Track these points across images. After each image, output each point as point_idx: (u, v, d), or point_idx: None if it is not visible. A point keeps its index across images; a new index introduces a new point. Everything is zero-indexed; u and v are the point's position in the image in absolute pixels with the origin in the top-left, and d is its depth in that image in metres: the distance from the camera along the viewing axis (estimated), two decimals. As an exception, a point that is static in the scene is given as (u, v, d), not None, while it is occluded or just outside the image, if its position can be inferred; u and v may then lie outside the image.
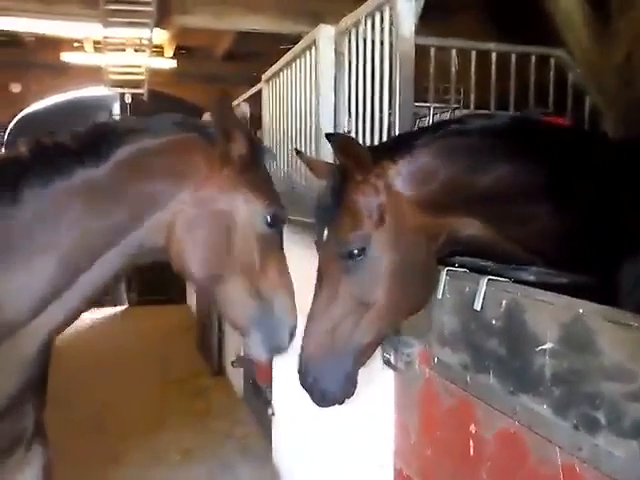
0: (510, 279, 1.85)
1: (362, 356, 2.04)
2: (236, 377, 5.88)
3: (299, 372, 2.05)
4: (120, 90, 8.80)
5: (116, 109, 9.86)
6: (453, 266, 2.11)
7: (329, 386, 2.01)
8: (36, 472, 2.20)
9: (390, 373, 2.47)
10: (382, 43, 2.62)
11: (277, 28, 6.44)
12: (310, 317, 2.04)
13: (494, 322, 1.81)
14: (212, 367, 6.58)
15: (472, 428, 1.95)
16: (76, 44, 8.54)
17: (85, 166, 1.90)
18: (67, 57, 8.65)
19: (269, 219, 2.05)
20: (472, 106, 3.36)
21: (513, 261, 2.11)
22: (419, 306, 2.10)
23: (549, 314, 1.59)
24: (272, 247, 2.10)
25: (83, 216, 1.90)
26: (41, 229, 1.87)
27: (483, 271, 2.01)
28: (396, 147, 2.03)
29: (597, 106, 3.45)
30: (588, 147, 2.19)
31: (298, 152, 2.43)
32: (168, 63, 8.44)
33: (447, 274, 2.08)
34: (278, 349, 2.15)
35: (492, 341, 1.83)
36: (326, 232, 2.04)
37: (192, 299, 9.73)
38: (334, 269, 1.99)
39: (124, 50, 7.22)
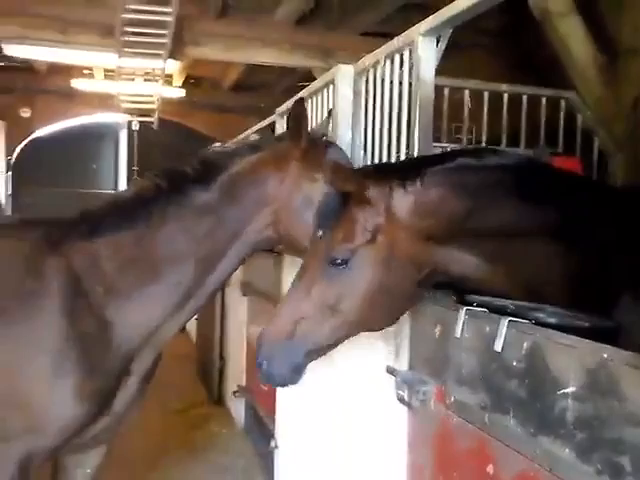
0: (530, 321, 1.87)
1: (315, 354, 2.20)
2: (237, 407, 5.84)
3: (256, 346, 2.18)
4: (130, 118, 8.92)
5: (123, 136, 9.96)
6: (471, 305, 2.13)
7: (276, 371, 2.15)
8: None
9: (403, 410, 2.46)
10: (401, 84, 2.68)
11: (288, 62, 6.56)
12: (281, 304, 2.20)
13: (515, 363, 1.82)
14: (212, 396, 6.53)
15: (490, 469, 1.94)
16: (86, 71, 8.67)
17: (201, 190, 2.44)
18: (77, 84, 8.77)
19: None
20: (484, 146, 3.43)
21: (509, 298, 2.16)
22: (383, 326, 2.26)
23: (573, 358, 1.60)
24: None
25: (209, 228, 2.44)
26: (181, 242, 2.42)
27: (502, 311, 2.02)
28: (407, 171, 2.09)
29: (605, 149, 3.51)
30: (593, 194, 2.26)
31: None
32: (177, 92, 8.56)
33: (466, 313, 2.09)
34: None
35: (512, 382, 1.83)
36: (321, 232, 2.16)
37: (191, 326, 9.69)
38: (316, 269, 2.11)
39: (134, 79, 7.33)
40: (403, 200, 2.02)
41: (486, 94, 3.40)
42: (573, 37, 3.42)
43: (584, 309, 1.92)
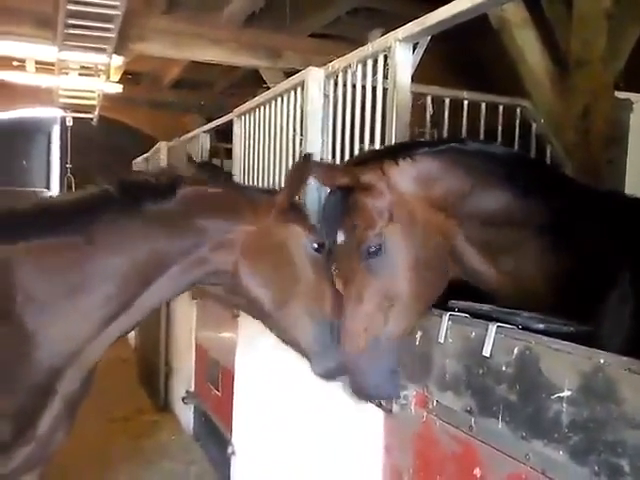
0: (517, 326, 1.92)
1: (393, 346, 2.12)
2: (185, 414, 5.69)
3: (349, 378, 2.11)
4: (64, 113, 8.52)
5: (56, 132, 9.49)
6: (454, 311, 2.16)
7: (379, 380, 2.12)
8: None
9: (378, 414, 2.46)
10: (374, 88, 2.69)
11: (235, 61, 6.48)
12: (343, 322, 2.14)
13: (504, 368, 1.86)
14: (158, 403, 6.33)
15: (477, 472, 1.97)
16: (16, 63, 8.20)
17: (157, 203, 2.26)
18: (5, 76, 8.27)
19: (315, 245, 2.33)
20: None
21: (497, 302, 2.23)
22: (436, 295, 2.21)
23: (567, 363, 1.64)
24: (324, 271, 2.36)
25: (154, 244, 2.26)
26: (120, 255, 2.21)
27: (485, 317, 2.06)
28: (395, 152, 2.16)
29: (557, 156, 3.66)
30: (579, 192, 2.35)
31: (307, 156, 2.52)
32: (114, 88, 8.25)
33: (449, 319, 2.12)
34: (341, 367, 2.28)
35: (501, 387, 1.87)
36: (341, 236, 2.15)
37: (129, 330, 9.36)
38: (357, 271, 2.09)
39: (68, 73, 7.00)
40: (401, 174, 2.09)
41: (447, 100, 3.46)
42: (529, 48, 3.55)
43: (568, 308, 2.00)
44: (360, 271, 2.08)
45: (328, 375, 2.37)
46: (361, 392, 2.16)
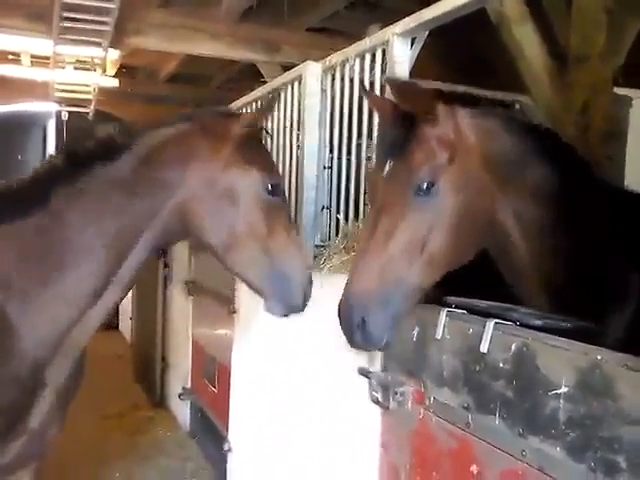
0: (514, 322, 1.91)
1: (411, 301, 2.02)
2: (181, 410, 5.68)
3: (342, 309, 1.98)
4: (59, 107, 8.47)
5: (51, 126, 9.44)
6: (451, 307, 2.15)
7: (376, 327, 1.95)
8: None
9: (375, 411, 2.46)
10: (371, 83, 2.67)
11: (232, 55, 6.44)
12: (363, 251, 1.99)
13: (502, 365, 1.85)
14: (153, 399, 6.31)
15: (473, 468, 1.96)
16: (11, 57, 8.14)
17: (105, 166, 2.17)
18: (1, 70, 8.21)
19: (269, 188, 2.27)
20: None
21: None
22: (460, 262, 2.11)
23: (564, 359, 1.64)
24: (278, 214, 2.32)
25: (116, 209, 2.18)
26: (86, 227, 2.13)
27: (483, 313, 2.05)
28: (462, 101, 2.10)
29: (556, 151, 3.63)
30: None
31: (363, 86, 2.48)
32: (111, 82, 8.20)
33: (447, 315, 2.11)
34: (294, 308, 2.39)
35: (499, 383, 1.86)
36: (390, 165, 2.02)
37: (125, 325, 9.33)
38: (398, 203, 1.95)
39: (64, 67, 6.96)
40: (467, 121, 2.01)
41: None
42: (528, 43, 3.54)
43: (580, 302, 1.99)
44: (402, 205, 1.93)
45: (283, 314, 2.41)
46: (356, 333, 1.98)
